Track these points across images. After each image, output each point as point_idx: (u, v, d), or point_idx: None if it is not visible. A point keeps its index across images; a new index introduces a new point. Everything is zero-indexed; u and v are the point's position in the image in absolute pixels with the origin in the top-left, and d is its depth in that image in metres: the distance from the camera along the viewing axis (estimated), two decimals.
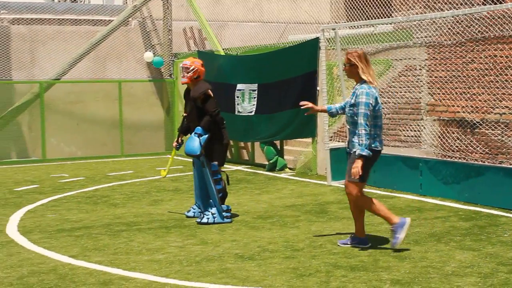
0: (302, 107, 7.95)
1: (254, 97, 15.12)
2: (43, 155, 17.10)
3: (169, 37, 19.05)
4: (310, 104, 7.93)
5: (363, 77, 7.34)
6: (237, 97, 15.49)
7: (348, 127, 7.54)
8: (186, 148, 9.08)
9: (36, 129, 17.37)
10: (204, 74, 9.42)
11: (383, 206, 7.52)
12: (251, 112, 15.11)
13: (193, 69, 9.28)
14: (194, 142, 9.04)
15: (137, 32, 19.34)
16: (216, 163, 9.17)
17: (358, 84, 7.43)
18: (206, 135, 9.07)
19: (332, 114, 7.95)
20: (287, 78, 14.21)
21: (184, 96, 9.71)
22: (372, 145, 7.33)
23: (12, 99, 17.36)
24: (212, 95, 9.23)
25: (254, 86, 15.16)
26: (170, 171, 14.63)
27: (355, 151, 7.28)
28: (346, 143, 7.64)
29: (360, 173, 7.21)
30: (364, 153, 7.20)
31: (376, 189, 11.63)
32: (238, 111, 15.45)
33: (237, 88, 15.53)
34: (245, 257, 7.25)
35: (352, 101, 7.40)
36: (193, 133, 9.10)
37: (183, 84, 9.48)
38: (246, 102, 15.28)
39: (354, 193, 7.47)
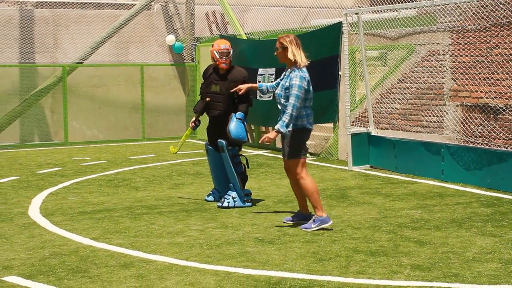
0: (239, 93, 8.65)
1: (272, 81, 15.10)
2: (65, 138, 17.20)
3: (192, 21, 19.05)
4: (244, 88, 8.58)
5: (296, 58, 7.79)
6: (259, 81, 15.48)
7: (280, 107, 7.88)
8: (234, 133, 8.87)
9: (59, 113, 17.48)
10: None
11: (318, 194, 7.81)
12: (270, 97, 15.10)
13: (231, 53, 9.26)
14: (241, 128, 8.97)
15: (160, 16, 19.35)
16: (236, 147, 9.18)
17: (291, 67, 7.85)
18: (246, 122, 9.12)
19: (262, 91, 8.44)
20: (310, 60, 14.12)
21: (206, 76, 9.48)
22: (304, 123, 7.79)
23: (35, 82, 17.46)
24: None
25: (272, 70, 15.14)
26: (191, 155, 14.66)
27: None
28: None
29: (270, 140, 7.68)
30: (282, 130, 7.65)
31: (398, 174, 11.60)
32: (260, 96, 15.45)
33: (258, 73, 15.52)
34: (265, 241, 7.27)
35: (287, 84, 7.79)
36: (236, 118, 8.98)
37: (224, 69, 9.23)
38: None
39: (292, 170, 7.91)
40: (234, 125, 8.92)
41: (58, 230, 7.90)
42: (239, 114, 9.01)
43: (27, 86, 17.34)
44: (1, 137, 16.86)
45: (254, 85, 8.68)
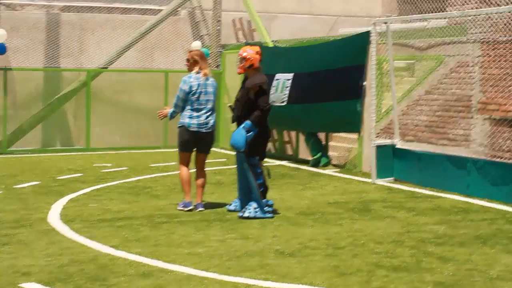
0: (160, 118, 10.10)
1: (287, 87, 15.06)
2: (87, 144, 17.30)
3: (218, 27, 19.12)
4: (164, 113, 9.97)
5: (195, 69, 9.62)
6: (273, 87, 15.40)
7: None
8: (231, 140, 9.10)
9: (81, 118, 17.60)
10: (259, 62, 9.37)
11: (188, 184, 9.66)
12: (283, 102, 15.04)
13: (245, 58, 9.28)
14: (241, 136, 9.05)
15: (186, 22, 19.46)
16: (256, 158, 9.20)
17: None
18: (254, 132, 9.09)
19: (171, 116, 9.94)
20: (331, 69, 14.11)
21: (241, 84, 9.67)
22: (185, 122, 9.55)
23: (59, 86, 17.62)
24: (266, 89, 9.27)
25: (290, 76, 15.10)
26: (213, 164, 14.70)
27: None
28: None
29: (160, 117, 9.93)
30: (169, 111, 9.83)
31: (422, 188, 11.54)
32: (273, 101, 15.42)
33: (275, 78, 15.46)
34: (285, 253, 7.28)
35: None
36: (242, 126, 9.09)
37: (238, 74, 9.54)
38: (278, 91, 15.20)
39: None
40: (235, 133, 9.10)
41: (78, 237, 7.96)
42: (245, 123, 9.07)
43: (51, 90, 17.50)
44: (23, 141, 17.02)
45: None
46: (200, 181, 9.85)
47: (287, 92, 15.00)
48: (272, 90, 15.27)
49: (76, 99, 17.65)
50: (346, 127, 14.03)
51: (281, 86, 15.22)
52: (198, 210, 9.64)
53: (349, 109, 13.56)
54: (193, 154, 9.86)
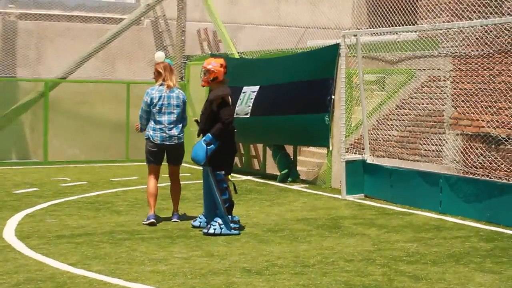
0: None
1: (251, 98, 15.09)
2: (45, 157, 17.12)
3: (182, 38, 19.09)
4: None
5: (159, 81, 9.82)
6: (240, 99, 15.42)
7: None
8: (192, 154, 9.13)
9: (39, 130, 17.44)
10: (224, 74, 9.38)
11: (151, 197, 9.76)
12: (246, 114, 15.06)
13: (209, 70, 9.29)
14: (201, 150, 9.06)
15: (149, 32, 19.41)
16: (222, 172, 9.17)
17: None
18: (215, 146, 9.08)
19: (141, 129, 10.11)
20: (298, 81, 14.16)
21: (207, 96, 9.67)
22: (150, 135, 9.72)
23: (15, 97, 17.44)
24: (229, 102, 9.25)
25: (256, 88, 15.15)
26: None
27: None
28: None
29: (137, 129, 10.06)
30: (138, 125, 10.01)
31: (393, 205, 11.58)
32: (236, 114, 15.40)
33: (242, 91, 15.50)
34: (252, 271, 7.23)
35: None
36: (203, 139, 9.11)
37: (202, 86, 9.66)
38: (243, 104, 15.23)
39: None
40: (195, 146, 9.15)
41: (34, 255, 7.83)
42: (206, 136, 9.11)
43: (7, 101, 17.31)
44: None
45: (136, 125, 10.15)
46: (173, 192, 10.12)
47: (251, 104, 15.02)
48: (238, 103, 15.27)
49: (33, 110, 17.47)
50: (314, 141, 14.05)
51: (246, 98, 15.23)
52: (172, 220, 9.93)
53: (317, 123, 13.58)
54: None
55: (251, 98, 15.10)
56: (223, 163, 9.22)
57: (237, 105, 15.24)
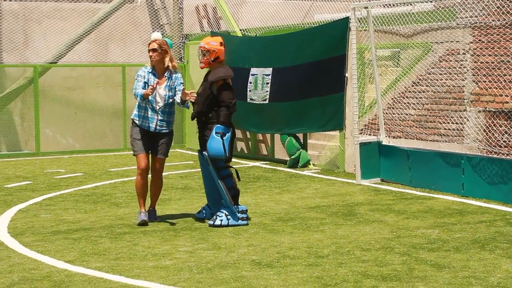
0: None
1: (267, 83, 15.09)
2: (37, 148, 17.20)
3: (180, 16, 19.10)
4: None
5: (169, 63, 9.45)
6: (250, 82, 15.45)
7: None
8: (210, 151, 9.00)
9: (29, 119, 17.48)
10: (224, 53, 9.36)
11: (140, 195, 9.31)
12: (265, 100, 15.09)
13: (209, 50, 9.25)
14: (218, 143, 8.99)
15: (144, 11, 19.40)
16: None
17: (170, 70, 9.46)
18: (228, 133, 9.06)
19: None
20: (310, 62, 14.18)
21: (204, 78, 9.59)
22: (136, 118, 9.37)
23: (2, 84, 17.48)
24: (230, 83, 9.24)
25: (268, 71, 15.14)
26: (179, 167, 14.65)
27: None
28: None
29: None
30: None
31: (412, 189, 11.61)
32: (251, 99, 15.43)
33: (250, 73, 15.52)
34: (262, 264, 7.27)
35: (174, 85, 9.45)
36: (213, 132, 9.03)
37: (201, 69, 9.49)
38: (259, 89, 15.26)
39: None
40: (211, 142, 8.99)
41: (29, 252, 7.88)
42: (217, 128, 9.01)
43: None
44: None
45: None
46: (152, 189, 9.58)
47: (269, 89, 15.02)
48: (250, 87, 15.32)
49: (23, 98, 17.51)
50: (329, 125, 14.03)
51: (260, 82, 15.23)
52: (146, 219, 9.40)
53: (332, 105, 13.64)
54: None
55: (267, 83, 15.10)
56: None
57: (248, 89, 15.29)
